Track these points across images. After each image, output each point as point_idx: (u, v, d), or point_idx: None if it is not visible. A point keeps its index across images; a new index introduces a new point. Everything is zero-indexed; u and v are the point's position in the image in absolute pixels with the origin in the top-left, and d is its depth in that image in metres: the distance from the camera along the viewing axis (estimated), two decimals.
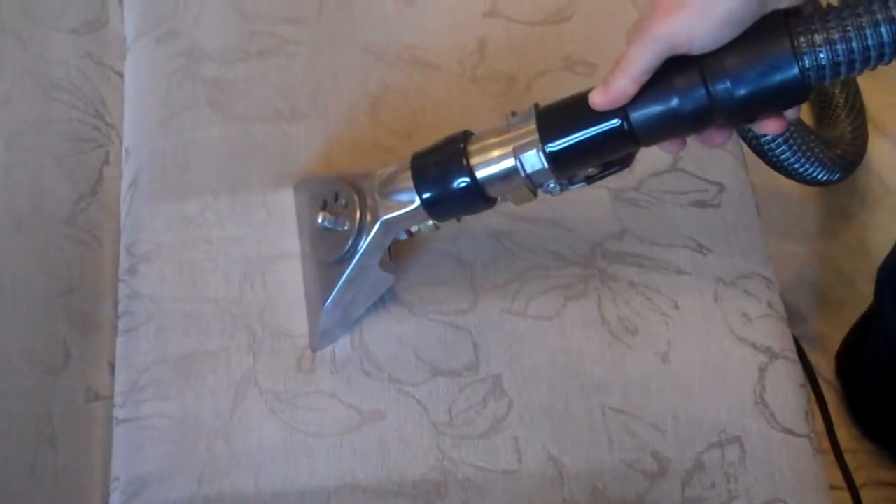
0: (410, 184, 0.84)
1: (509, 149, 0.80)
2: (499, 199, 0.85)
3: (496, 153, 0.81)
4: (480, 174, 0.81)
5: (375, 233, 0.86)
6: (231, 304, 0.95)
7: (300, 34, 1.07)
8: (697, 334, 0.95)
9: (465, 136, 0.83)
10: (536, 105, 0.81)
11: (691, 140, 0.82)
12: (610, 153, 0.80)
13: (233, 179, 1.00)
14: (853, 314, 1.34)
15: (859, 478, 1.21)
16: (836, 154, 1.26)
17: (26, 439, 0.89)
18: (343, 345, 0.93)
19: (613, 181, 1.00)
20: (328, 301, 0.89)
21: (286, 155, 1.01)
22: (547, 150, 0.78)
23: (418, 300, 0.95)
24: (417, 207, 0.84)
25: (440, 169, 0.83)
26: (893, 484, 1.24)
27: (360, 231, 0.86)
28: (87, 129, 1.05)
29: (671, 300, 0.96)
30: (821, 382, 1.11)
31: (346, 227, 0.87)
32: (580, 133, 0.78)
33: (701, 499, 0.89)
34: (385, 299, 0.94)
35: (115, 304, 0.99)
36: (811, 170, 1.21)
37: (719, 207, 1.01)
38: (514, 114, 0.82)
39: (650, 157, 0.99)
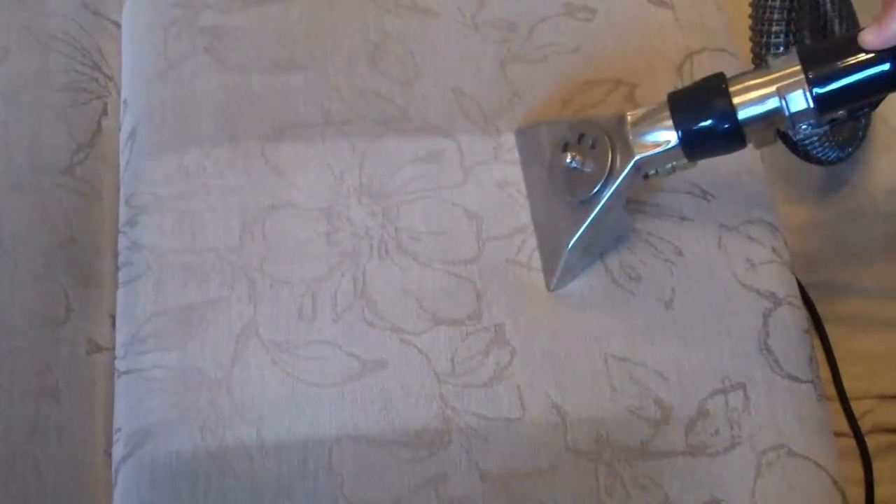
0: (667, 123, 0.85)
1: (773, 88, 0.81)
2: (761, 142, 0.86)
3: (759, 93, 0.82)
4: (743, 114, 0.83)
5: (627, 172, 0.87)
6: (231, 253, 0.95)
7: None
8: (701, 281, 0.96)
9: (723, 77, 0.85)
10: (798, 46, 0.82)
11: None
12: (872, 94, 0.81)
13: (232, 130, 1.00)
14: (864, 256, 1.34)
15: (864, 424, 1.23)
16: (840, 138, 1.26)
17: (28, 393, 0.89)
18: (345, 293, 0.93)
19: None
20: (573, 239, 0.90)
21: (285, 105, 1.01)
22: (813, 90, 0.80)
23: (422, 249, 0.96)
24: (674, 146, 0.85)
25: (702, 107, 0.84)
26: None
27: (611, 171, 0.88)
28: (84, 80, 1.05)
29: (674, 246, 0.97)
30: (826, 328, 1.12)
31: (591, 168, 0.89)
32: (848, 73, 0.79)
33: (704, 445, 0.90)
34: (388, 248, 0.95)
35: (115, 256, 0.99)
36: (827, 151, 1.20)
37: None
38: (775, 55, 0.83)
39: (651, 100, 0.98)
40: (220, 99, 1.01)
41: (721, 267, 0.96)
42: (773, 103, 0.81)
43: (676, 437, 0.90)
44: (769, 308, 0.95)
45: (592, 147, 0.89)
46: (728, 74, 0.85)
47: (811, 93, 0.80)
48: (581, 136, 0.91)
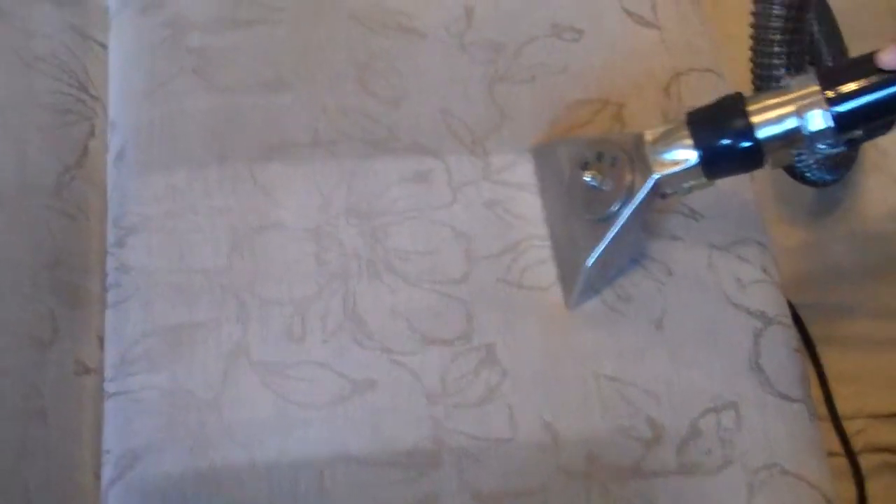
0: (687, 142, 0.87)
1: (792, 108, 0.84)
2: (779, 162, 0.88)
3: (778, 112, 0.84)
4: (761, 133, 0.84)
5: (647, 191, 0.88)
6: (220, 274, 0.95)
7: (285, 1, 1.08)
8: (691, 300, 0.96)
9: (741, 97, 0.86)
10: (816, 66, 0.84)
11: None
12: (891, 112, 0.83)
13: (220, 150, 1.00)
14: (855, 278, 1.36)
15: (857, 443, 1.23)
16: (839, 157, 1.27)
17: (16, 415, 0.89)
18: (334, 313, 0.94)
19: None
20: (592, 257, 0.91)
21: (273, 125, 1.01)
22: (833, 110, 0.82)
23: (411, 269, 0.96)
24: (694, 165, 0.87)
25: (721, 127, 0.86)
26: (891, 449, 1.25)
27: (630, 189, 0.89)
28: (71, 101, 1.05)
29: (664, 266, 0.98)
30: (818, 348, 1.13)
31: (609, 187, 0.90)
32: (867, 92, 0.81)
33: (696, 464, 0.90)
34: (378, 269, 0.96)
35: (103, 276, 0.99)
36: (822, 174, 1.22)
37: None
38: (791, 75, 0.85)
39: (640, 123, 1.02)
40: (208, 119, 1.02)
41: (711, 286, 0.97)
42: (791, 123, 0.83)
43: (668, 456, 0.90)
44: (760, 327, 0.96)
45: (612, 165, 0.90)
46: (745, 95, 0.87)
47: (831, 112, 0.82)
48: (600, 155, 0.92)
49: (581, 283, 0.93)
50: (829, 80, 0.83)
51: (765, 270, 0.99)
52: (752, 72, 1.11)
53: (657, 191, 0.89)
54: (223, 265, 0.96)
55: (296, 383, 0.92)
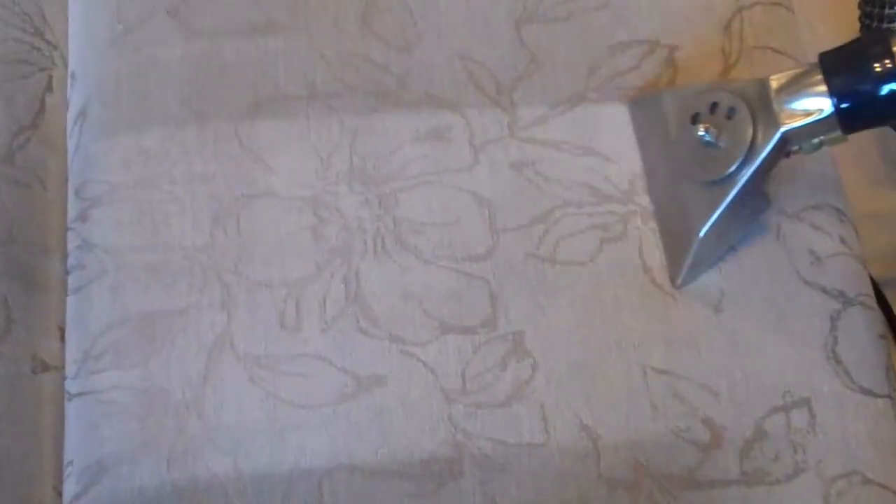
0: (820, 88, 0.83)
1: None
2: None
3: None
4: None
5: (772, 146, 0.85)
6: (200, 252, 0.92)
7: None
8: (756, 279, 0.93)
9: (886, 35, 0.82)
10: None
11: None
12: None
13: (200, 106, 0.97)
14: None
15: None
16: None
17: None
18: (335, 297, 0.91)
19: None
20: (706, 226, 0.88)
21: (262, 76, 0.99)
22: None
23: (426, 244, 0.93)
24: (828, 115, 0.83)
25: (863, 70, 0.81)
26: None
27: (752, 145, 0.85)
28: (25, 50, 1.03)
29: None
30: None
31: (726, 143, 0.87)
32: None
33: (763, 472, 0.87)
34: (386, 243, 0.92)
35: (64, 257, 0.96)
36: None
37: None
38: None
39: (695, 65, 1.00)
40: (186, 70, 0.99)
41: (780, 262, 0.94)
42: None
43: (729, 463, 0.87)
44: (837, 309, 0.92)
45: (728, 118, 0.87)
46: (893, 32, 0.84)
47: None
48: (714, 106, 0.88)
49: (691, 257, 0.90)
50: None
51: (843, 241, 0.95)
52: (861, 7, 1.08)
53: (784, 146, 0.86)
54: (204, 242, 0.93)
55: (290, 380, 0.89)
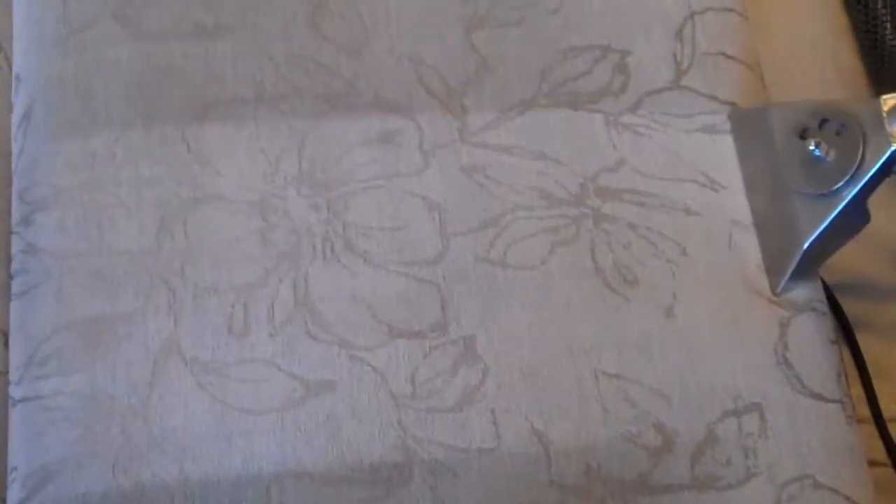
0: None
1: None
2: None
3: None
4: None
5: (882, 164, 0.88)
6: (146, 256, 0.94)
7: None
8: (708, 285, 0.96)
9: None
10: None
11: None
12: None
13: (146, 109, 0.99)
14: None
15: None
16: None
17: None
18: (283, 302, 0.93)
19: (608, 103, 1.02)
20: (812, 236, 0.92)
21: (209, 78, 1.00)
22: None
23: (375, 248, 0.96)
24: None
25: None
26: None
27: (862, 162, 0.89)
28: None
29: (678, 245, 0.98)
30: (858, 339, 1.13)
31: (835, 158, 0.91)
32: None
33: (714, 477, 0.90)
34: (335, 247, 0.95)
35: (7, 261, 0.98)
36: None
37: (732, 133, 1.02)
38: None
39: (647, 71, 1.03)
40: (132, 72, 1.00)
41: (732, 269, 0.97)
42: None
43: (681, 468, 0.90)
44: (788, 315, 0.96)
45: (837, 134, 0.91)
46: None
47: None
48: (823, 122, 0.92)
49: (794, 267, 0.94)
50: None
51: None
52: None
53: (891, 166, 0.89)
54: (150, 246, 0.95)
55: (238, 385, 0.91)
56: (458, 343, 0.93)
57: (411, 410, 0.90)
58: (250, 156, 0.98)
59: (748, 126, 1.01)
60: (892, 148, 0.87)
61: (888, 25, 1.31)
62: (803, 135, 0.93)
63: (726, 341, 0.94)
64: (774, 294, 0.96)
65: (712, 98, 1.03)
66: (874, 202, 0.92)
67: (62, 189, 0.97)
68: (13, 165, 1.01)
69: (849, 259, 1.31)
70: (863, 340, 1.18)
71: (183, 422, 0.90)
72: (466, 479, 0.89)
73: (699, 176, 1.00)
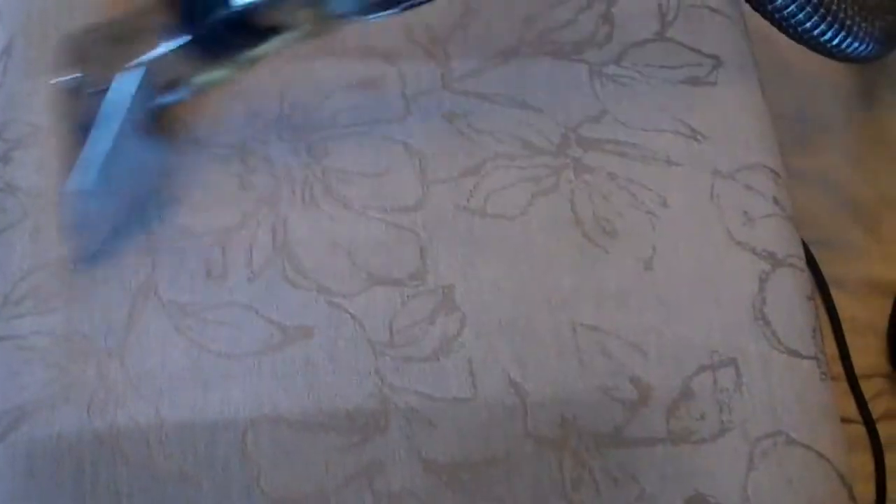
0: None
1: None
2: (295, 27, 0.84)
3: None
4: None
5: (137, 85, 0.85)
6: None
7: None
8: (688, 237, 0.96)
9: None
10: None
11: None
12: None
13: None
14: (877, 211, 1.35)
15: (876, 408, 1.24)
16: (880, 25, 1.25)
17: None
18: (261, 246, 0.93)
19: (591, 53, 1.02)
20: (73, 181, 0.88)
21: None
22: None
23: (355, 194, 0.96)
24: (179, 47, 0.82)
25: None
26: None
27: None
28: None
29: (659, 196, 0.98)
30: (834, 296, 1.13)
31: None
32: None
33: (689, 431, 0.90)
34: (314, 192, 0.95)
35: None
36: (850, 42, 1.19)
37: (716, 85, 1.02)
38: None
39: (632, 22, 1.03)
40: (114, 9, 0.96)
41: (712, 221, 0.97)
42: None
43: (656, 421, 0.91)
44: (767, 270, 0.96)
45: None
46: None
47: None
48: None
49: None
50: None
51: (777, 202, 0.99)
52: None
53: (154, 80, 0.85)
54: None
55: (215, 329, 0.91)
56: (437, 292, 0.93)
57: (388, 358, 0.91)
58: (230, 98, 0.98)
59: None
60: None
61: None
62: None
63: (704, 295, 0.94)
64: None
65: (696, 51, 1.03)
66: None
67: (41, 127, 0.97)
68: None
69: (822, 219, 1.33)
70: (837, 297, 1.19)
71: (159, 365, 0.89)
72: (442, 429, 0.89)
73: (681, 126, 1.00)
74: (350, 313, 0.92)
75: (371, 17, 0.83)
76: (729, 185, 0.99)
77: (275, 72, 0.99)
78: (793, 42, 1.08)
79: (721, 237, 0.97)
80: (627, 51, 1.02)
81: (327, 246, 0.94)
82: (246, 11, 0.80)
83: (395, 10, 0.84)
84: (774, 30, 1.05)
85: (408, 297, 0.93)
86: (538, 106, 1.00)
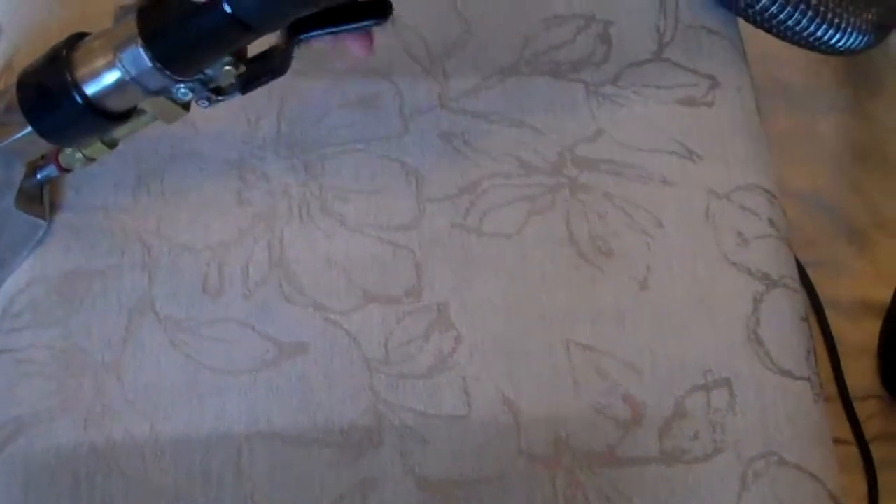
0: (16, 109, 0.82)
1: (111, 50, 0.78)
2: (145, 111, 0.84)
3: (101, 60, 0.79)
4: (91, 89, 0.79)
5: None
6: (122, 212, 0.94)
7: None
8: (683, 257, 0.97)
9: (72, 42, 0.81)
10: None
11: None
12: (225, 44, 0.78)
13: None
14: (871, 233, 1.35)
15: (870, 429, 1.24)
16: (867, 17, 1.24)
17: None
18: (258, 262, 0.93)
19: (589, 73, 1.02)
20: None
21: None
22: (146, 44, 0.76)
23: (352, 211, 0.96)
24: (33, 132, 0.82)
25: (43, 89, 0.80)
26: None
27: None
28: None
29: (654, 216, 0.98)
30: (829, 317, 1.13)
31: None
32: (178, 18, 0.76)
33: (682, 451, 0.91)
34: (311, 209, 0.95)
35: None
36: (839, 36, 1.18)
37: (712, 106, 1.02)
38: (122, 7, 0.79)
39: (629, 43, 1.02)
40: None
41: (707, 241, 0.97)
42: (115, 71, 0.78)
43: (649, 441, 0.91)
44: (761, 291, 0.96)
45: None
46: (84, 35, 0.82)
47: (145, 47, 0.76)
48: None
49: None
50: (146, 10, 0.77)
51: (772, 223, 1.00)
52: None
53: (14, 162, 0.87)
54: (127, 202, 0.95)
55: (211, 345, 0.91)
56: (432, 309, 0.93)
57: (383, 375, 0.91)
58: (230, 115, 0.98)
59: None
60: None
61: None
62: None
63: (698, 316, 0.95)
64: None
65: (693, 71, 1.03)
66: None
67: None
68: None
69: (817, 240, 1.33)
70: (832, 319, 1.19)
71: (155, 379, 0.90)
72: (436, 446, 0.89)
73: (677, 146, 1.00)
74: (345, 330, 0.92)
75: (219, 98, 0.84)
76: (724, 206, 0.99)
77: (273, 88, 0.95)
78: (790, 63, 1.08)
79: (716, 257, 0.97)
80: (625, 71, 1.02)
81: (323, 263, 0.94)
82: (99, 99, 0.80)
83: (238, 94, 0.85)
84: (772, 50, 1.05)
85: (403, 314, 0.93)
86: (535, 125, 1.00)
